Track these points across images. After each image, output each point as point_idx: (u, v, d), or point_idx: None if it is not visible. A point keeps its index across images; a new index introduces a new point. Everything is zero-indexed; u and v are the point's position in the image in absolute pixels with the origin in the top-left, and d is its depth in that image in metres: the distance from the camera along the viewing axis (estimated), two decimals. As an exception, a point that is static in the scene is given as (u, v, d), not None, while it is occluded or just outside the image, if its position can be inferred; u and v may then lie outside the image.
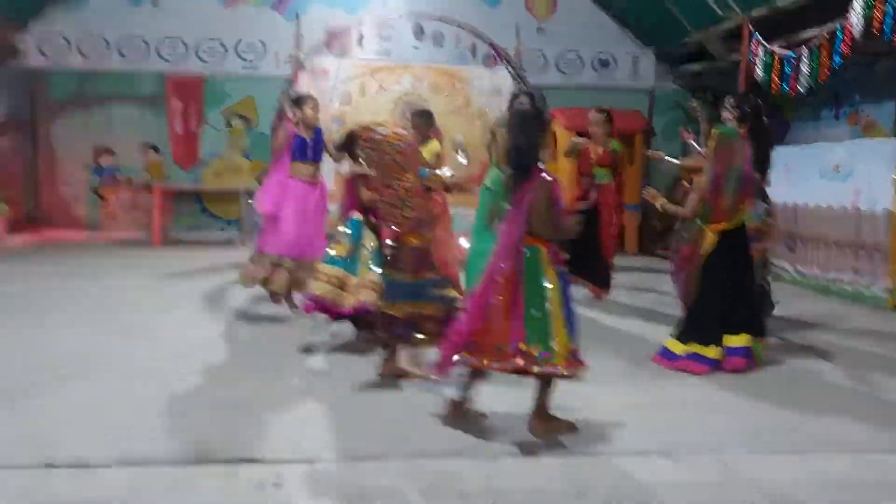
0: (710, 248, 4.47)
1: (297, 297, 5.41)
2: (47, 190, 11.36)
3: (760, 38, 8.44)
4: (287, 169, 5.74)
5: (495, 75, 9.51)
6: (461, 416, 3.41)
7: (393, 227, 4.08)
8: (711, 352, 4.40)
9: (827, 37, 7.28)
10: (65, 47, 11.12)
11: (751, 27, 8.72)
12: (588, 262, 6.40)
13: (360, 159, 4.32)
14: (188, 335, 5.01)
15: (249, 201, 8.89)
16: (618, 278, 6.94)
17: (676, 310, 4.92)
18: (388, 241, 4.16)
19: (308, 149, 5.76)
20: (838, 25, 7.05)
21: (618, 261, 7.16)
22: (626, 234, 10.63)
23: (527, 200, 3.20)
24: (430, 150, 5.90)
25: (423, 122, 5.90)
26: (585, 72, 11.81)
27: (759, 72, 8.42)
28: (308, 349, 4.66)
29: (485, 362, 3.20)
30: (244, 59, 11.33)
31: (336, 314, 4.63)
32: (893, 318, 6.28)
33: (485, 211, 3.61)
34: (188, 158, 11.50)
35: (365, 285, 4.44)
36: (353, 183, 4.59)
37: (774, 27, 8.45)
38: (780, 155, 8.80)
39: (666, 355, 4.53)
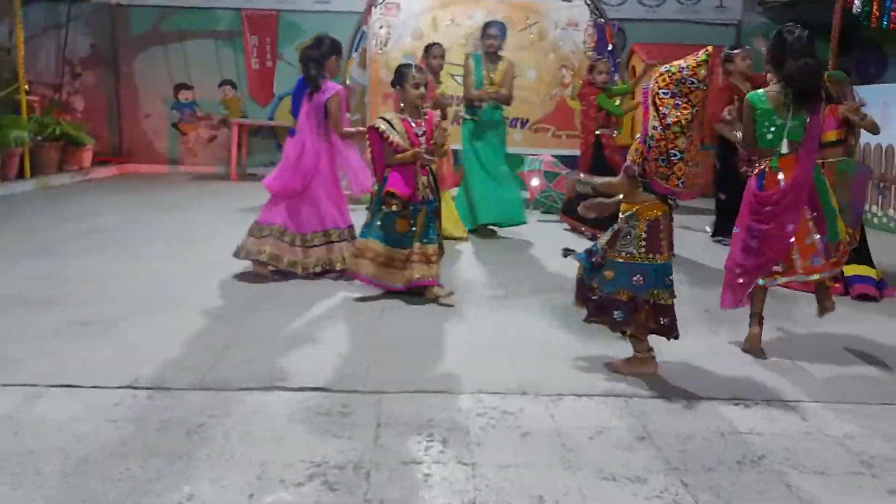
0: None
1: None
2: (129, 124, 11.75)
3: (861, -35, 7.85)
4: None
5: (572, 8, 9.18)
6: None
7: (684, 192, 3.14)
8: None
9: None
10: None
11: (851, -46, 8.11)
12: None
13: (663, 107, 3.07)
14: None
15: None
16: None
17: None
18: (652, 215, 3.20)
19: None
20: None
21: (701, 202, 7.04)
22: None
23: (816, 124, 3.51)
24: (445, 88, 6.26)
25: (441, 53, 6.49)
26: (668, 4, 11.28)
27: (856, 3, 7.87)
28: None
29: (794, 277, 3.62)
30: (318, -5, 11.31)
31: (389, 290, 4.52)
32: None
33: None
34: (264, 94, 11.65)
35: (419, 259, 4.40)
36: (381, 139, 4.40)
37: (877, -46, 7.83)
38: (877, 92, 8.31)
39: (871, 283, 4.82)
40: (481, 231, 6.77)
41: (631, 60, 10.77)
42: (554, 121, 9.26)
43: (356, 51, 9.00)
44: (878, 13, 7.58)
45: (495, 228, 6.87)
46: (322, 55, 4.86)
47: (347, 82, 9.05)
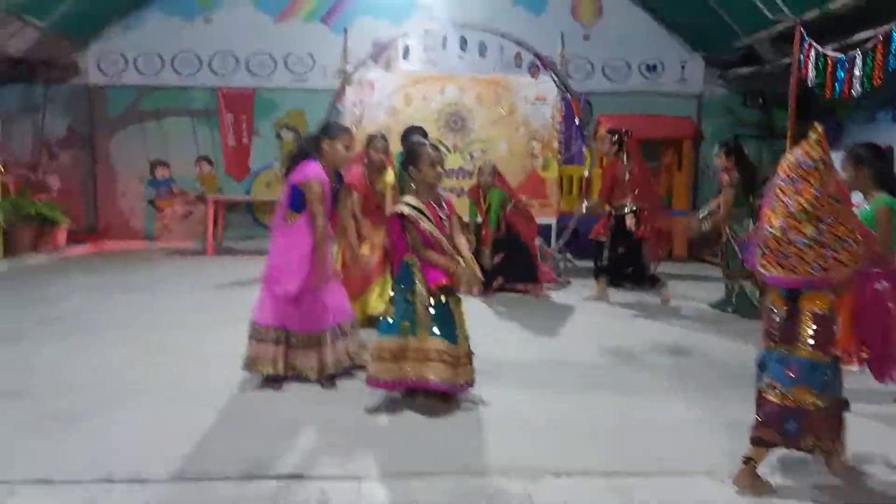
0: None
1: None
2: (106, 202, 11.77)
3: (812, 41, 8.27)
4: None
5: (540, 84, 9.50)
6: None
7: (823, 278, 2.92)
8: None
9: (882, 39, 7.11)
10: (122, 64, 11.52)
11: (802, 30, 8.55)
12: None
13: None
14: (238, 352, 5.12)
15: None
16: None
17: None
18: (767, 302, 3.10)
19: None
20: (893, 28, 6.87)
21: (668, 268, 7.21)
22: (675, 240, 10.49)
23: None
24: (387, 180, 5.88)
25: (384, 148, 5.87)
26: (633, 77, 11.71)
27: (810, 75, 8.25)
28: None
29: None
30: (293, 73, 11.56)
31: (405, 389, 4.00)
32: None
33: None
34: (240, 170, 11.78)
35: (428, 356, 3.83)
36: (403, 221, 3.91)
37: (827, 30, 8.26)
38: (836, 159, 8.63)
39: None
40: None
41: (598, 131, 11.10)
42: (525, 191, 9.45)
43: (331, 128, 9.19)
44: (830, 83, 7.95)
45: None
46: (316, 136, 4.43)
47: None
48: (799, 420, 2.90)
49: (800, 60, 8.54)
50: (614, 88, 11.61)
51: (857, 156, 4.33)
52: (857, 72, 7.53)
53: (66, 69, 11.34)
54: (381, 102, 9.26)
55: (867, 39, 7.36)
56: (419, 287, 3.86)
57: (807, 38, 8.39)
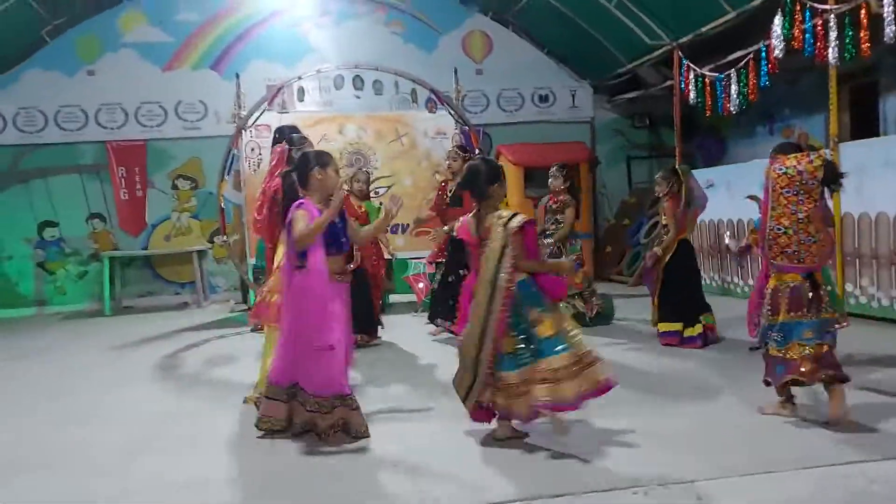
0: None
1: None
2: (-10, 268, 11.03)
3: (690, 63, 8.74)
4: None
5: (437, 118, 9.63)
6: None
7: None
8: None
9: (752, 58, 7.59)
10: (0, 124, 10.92)
11: (680, 54, 9.03)
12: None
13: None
14: (143, 410, 4.85)
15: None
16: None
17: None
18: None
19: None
20: (762, 46, 7.35)
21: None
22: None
23: None
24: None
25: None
26: (526, 108, 12.03)
27: (691, 95, 8.70)
28: None
29: None
30: (185, 121, 11.27)
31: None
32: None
33: None
34: (135, 224, 11.32)
35: (535, 379, 3.59)
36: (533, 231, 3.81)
37: (702, 52, 8.76)
38: (721, 174, 9.11)
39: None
40: None
41: (499, 160, 11.32)
42: (432, 224, 9.48)
43: (229, 174, 8.99)
44: (710, 102, 8.40)
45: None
46: (303, 169, 4.04)
47: (222, 205, 8.99)
48: (819, 361, 3.78)
49: (680, 82, 9.02)
50: (510, 119, 11.90)
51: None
52: (733, 89, 8.00)
53: (-63, 131, 10.66)
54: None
55: (740, 59, 7.85)
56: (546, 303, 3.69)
57: (685, 61, 8.87)
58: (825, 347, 3.81)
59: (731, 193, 8.38)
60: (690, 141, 11.07)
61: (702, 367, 5.27)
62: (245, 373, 5.58)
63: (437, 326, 6.94)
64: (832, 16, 6.49)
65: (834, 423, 3.72)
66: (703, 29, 8.58)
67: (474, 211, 3.90)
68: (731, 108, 8.07)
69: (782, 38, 6.96)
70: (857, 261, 6.89)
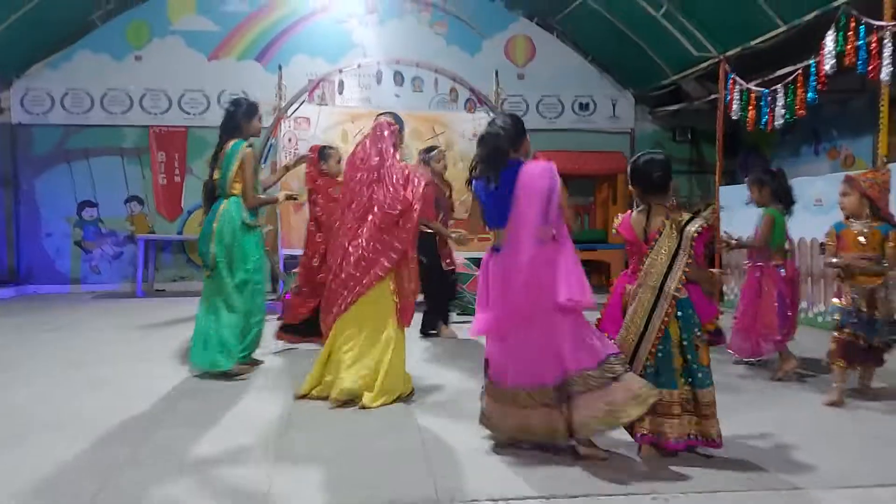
0: None
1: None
2: (29, 244, 11.27)
3: (736, 76, 8.56)
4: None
5: (475, 120, 9.57)
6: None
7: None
8: None
9: (801, 73, 7.40)
10: (49, 103, 11.17)
11: (727, 67, 8.86)
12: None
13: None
14: (159, 386, 4.87)
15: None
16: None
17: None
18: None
19: None
20: (812, 62, 7.16)
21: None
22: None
23: None
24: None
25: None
26: (565, 115, 11.95)
27: (735, 109, 8.52)
28: None
29: None
30: (227, 110, 11.40)
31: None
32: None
33: None
34: (172, 209, 11.48)
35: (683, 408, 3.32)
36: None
37: (750, 66, 8.59)
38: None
39: None
40: None
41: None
42: (464, 226, 9.43)
43: (265, 162, 9.05)
44: (754, 117, 8.21)
45: None
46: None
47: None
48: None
49: (725, 96, 8.84)
50: (548, 125, 11.82)
51: (759, 179, 5.34)
52: (779, 105, 7.80)
53: (-12, 109, 10.95)
54: (315, 136, 9.18)
55: (788, 74, 7.66)
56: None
57: (731, 74, 8.69)
58: None
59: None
60: (732, 158, 10.87)
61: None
62: (265, 356, 5.60)
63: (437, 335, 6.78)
64: (888, 33, 6.30)
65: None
66: (752, 42, 8.41)
67: (640, 208, 3.62)
68: (776, 124, 7.88)
69: (834, 54, 6.78)
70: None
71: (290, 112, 9.12)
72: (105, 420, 4.06)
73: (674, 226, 3.39)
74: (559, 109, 11.93)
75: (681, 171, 12.18)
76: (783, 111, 7.73)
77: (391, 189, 4.40)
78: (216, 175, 5.15)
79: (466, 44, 11.68)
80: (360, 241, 4.41)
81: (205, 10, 11.40)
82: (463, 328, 6.65)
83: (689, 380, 3.35)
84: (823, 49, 6.87)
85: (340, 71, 9.42)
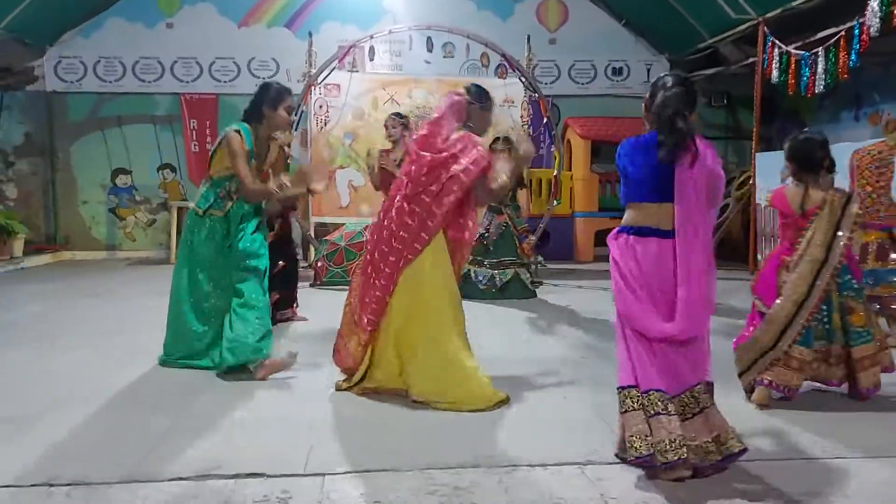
0: None
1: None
2: (66, 210, 11.46)
3: (776, 39, 8.33)
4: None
5: (508, 86, 9.44)
6: None
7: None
8: None
9: (844, 35, 7.16)
10: (82, 71, 11.25)
11: (766, 29, 8.61)
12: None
13: None
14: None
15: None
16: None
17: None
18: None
19: None
20: (856, 23, 6.93)
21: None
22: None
23: None
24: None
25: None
26: (598, 80, 11.74)
27: (774, 73, 8.30)
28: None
29: None
30: (257, 77, 11.36)
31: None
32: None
33: None
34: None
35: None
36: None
37: (789, 28, 8.34)
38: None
39: None
40: None
41: (566, 134, 11.10)
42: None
43: (296, 130, 9.04)
44: (794, 81, 7.99)
45: None
46: None
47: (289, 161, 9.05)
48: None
49: (763, 59, 8.61)
50: (580, 91, 11.63)
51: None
52: (820, 68, 7.58)
53: (23, 76, 11.05)
54: (347, 103, 9.16)
55: (830, 36, 7.42)
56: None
57: (770, 37, 8.45)
58: None
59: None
60: (770, 124, 10.62)
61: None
62: (297, 324, 5.65)
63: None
64: (937, -8, 6.07)
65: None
66: (793, 3, 8.14)
67: (795, 183, 3.90)
68: (817, 88, 7.66)
69: (879, 14, 6.55)
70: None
71: (320, 79, 9.08)
72: (145, 388, 4.15)
73: (835, 202, 3.74)
74: (592, 75, 11.72)
75: (716, 137, 11.94)
76: (824, 75, 7.52)
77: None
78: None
79: (498, 8, 11.49)
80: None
81: (235, -24, 11.34)
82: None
83: (845, 338, 3.78)
84: (867, 9, 6.64)
85: (371, 37, 9.31)
